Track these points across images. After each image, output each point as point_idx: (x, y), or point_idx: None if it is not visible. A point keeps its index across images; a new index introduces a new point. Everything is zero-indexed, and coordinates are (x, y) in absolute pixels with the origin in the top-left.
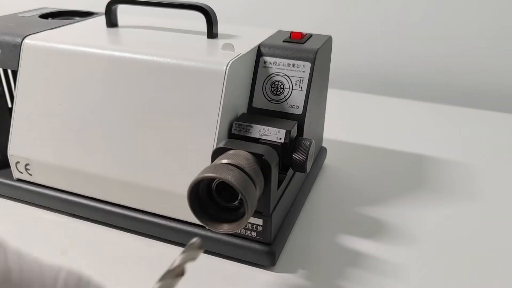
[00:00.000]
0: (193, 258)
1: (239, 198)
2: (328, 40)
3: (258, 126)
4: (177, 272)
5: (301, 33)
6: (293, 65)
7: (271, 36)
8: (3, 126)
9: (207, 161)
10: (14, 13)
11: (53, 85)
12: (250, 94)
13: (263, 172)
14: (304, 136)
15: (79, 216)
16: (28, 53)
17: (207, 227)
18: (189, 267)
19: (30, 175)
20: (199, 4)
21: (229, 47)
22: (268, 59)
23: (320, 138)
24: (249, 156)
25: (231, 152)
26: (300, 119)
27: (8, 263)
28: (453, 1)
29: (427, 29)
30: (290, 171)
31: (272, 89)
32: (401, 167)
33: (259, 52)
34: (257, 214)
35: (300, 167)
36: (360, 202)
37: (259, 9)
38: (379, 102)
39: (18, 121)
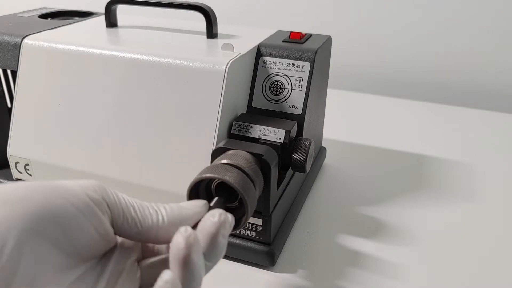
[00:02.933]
0: None
1: (239, 198)
2: (328, 40)
3: (257, 126)
4: None
5: (300, 33)
6: (293, 65)
7: (271, 36)
8: (3, 127)
9: (207, 161)
10: (13, 13)
11: (53, 85)
12: (249, 94)
13: (263, 172)
14: (303, 136)
15: None
16: (28, 53)
17: None
18: None
19: (30, 175)
20: (199, 4)
21: (228, 47)
22: (267, 59)
23: (319, 138)
24: (249, 156)
25: (230, 152)
26: (299, 119)
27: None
28: (453, 1)
29: (427, 29)
30: (290, 171)
31: (272, 89)
32: (401, 167)
33: (258, 52)
34: (256, 214)
35: (300, 167)
36: (360, 202)
37: (259, 9)
38: (379, 102)
39: (18, 122)
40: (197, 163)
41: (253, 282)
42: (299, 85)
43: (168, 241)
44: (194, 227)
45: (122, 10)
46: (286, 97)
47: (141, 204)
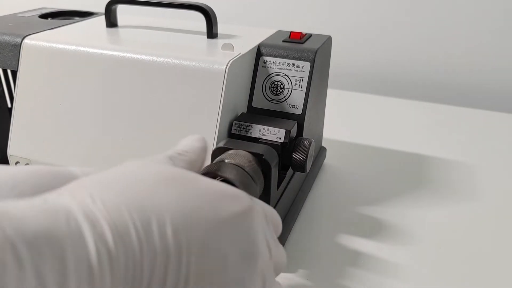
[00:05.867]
0: None
1: None
2: (328, 40)
3: (258, 125)
4: None
5: (300, 33)
6: (293, 65)
7: (271, 36)
8: (3, 127)
9: (207, 161)
10: (13, 13)
11: (53, 85)
12: (249, 94)
13: (263, 172)
14: (303, 136)
15: None
16: (28, 53)
17: None
18: None
19: None
20: (199, 4)
21: (228, 47)
22: (267, 59)
23: (319, 138)
24: (249, 155)
25: (231, 151)
26: (299, 119)
27: None
28: (453, 1)
29: (427, 29)
30: (290, 171)
31: (272, 89)
32: (401, 167)
33: (258, 52)
34: None
35: (300, 166)
36: (360, 202)
37: (259, 9)
38: (379, 102)
39: (18, 121)
40: None
41: None
42: (299, 85)
43: None
44: None
45: (122, 10)
46: (286, 97)
47: None
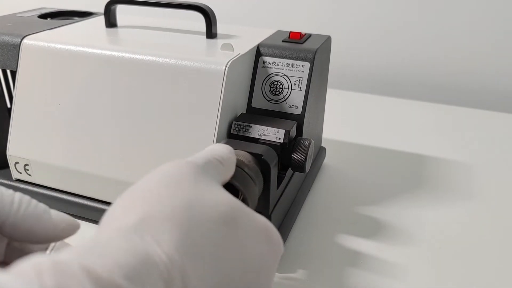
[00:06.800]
0: None
1: (240, 197)
2: (327, 40)
3: (257, 126)
4: None
5: (300, 33)
6: (292, 65)
7: (270, 36)
8: (2, 127)
9: None
10: (13, 13)
11: (52, 85)
12: (249, 94)
13: (262, 172)
14: (303, 136)
15: (79, 216)
16: (27, 53)
17: None
18: None
19: (29, 175)
20: (199, 4)
21: (228, 47)
22: (267, 59)
23: (319, 138)
24: (248, 156)
25: None
26: (299, 119)
27: None
28: (453, 1)
29: (427, 29)
30: (289, 171)
31: (271, 89)
32: (401, 167)
33: (258, 52)
34: None
35: (299, 167)
36: (359, 202)
37: (258, 9)
38: (379, 102)
39: (17, 122)
40: None
41: None
42: (298, 85)
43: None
44: None
45: (121, 10)
46: (285, 97)
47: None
